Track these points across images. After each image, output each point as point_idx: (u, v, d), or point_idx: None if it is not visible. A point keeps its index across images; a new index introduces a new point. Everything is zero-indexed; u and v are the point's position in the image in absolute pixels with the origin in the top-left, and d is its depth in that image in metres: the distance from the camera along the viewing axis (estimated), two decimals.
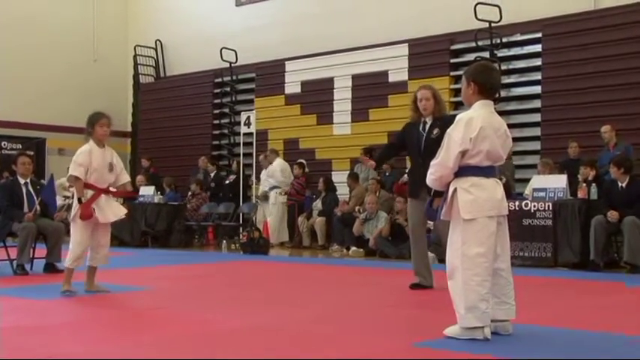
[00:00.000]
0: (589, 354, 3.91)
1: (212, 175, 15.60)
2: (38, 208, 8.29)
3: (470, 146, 4.11)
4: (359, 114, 14.81)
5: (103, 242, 6.37)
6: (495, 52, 13.29)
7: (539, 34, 12.86)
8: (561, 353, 3.90)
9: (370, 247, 11.18)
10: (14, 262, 8.03)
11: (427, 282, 6.75)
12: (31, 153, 16.66)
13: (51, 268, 8.19)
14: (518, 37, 13.25)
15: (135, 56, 19.50)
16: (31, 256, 8.20)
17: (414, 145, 6.68)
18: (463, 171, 4.19)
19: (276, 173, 13.72)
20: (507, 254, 4.39)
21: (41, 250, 8.33)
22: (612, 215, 8.48)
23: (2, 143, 18.13)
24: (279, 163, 13.86)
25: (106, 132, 6.30)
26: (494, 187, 4.25)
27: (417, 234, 6.82)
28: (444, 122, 6.48)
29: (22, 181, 8.39)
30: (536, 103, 12.88)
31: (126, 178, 6.55)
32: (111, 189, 6.40)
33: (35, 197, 8.35)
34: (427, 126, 6.63)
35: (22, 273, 7.97)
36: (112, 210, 6.35)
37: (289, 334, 4.47)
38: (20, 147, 17.69)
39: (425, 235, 6.89)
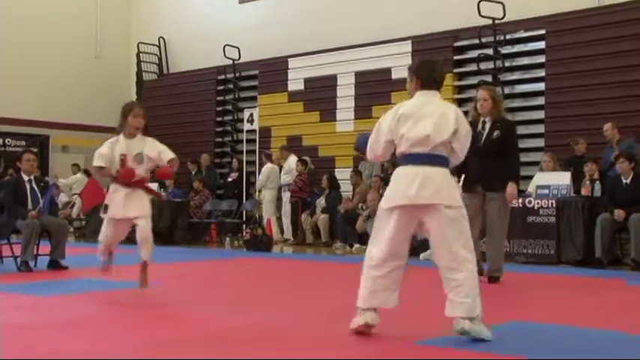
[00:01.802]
0: (591, 352, 3.91)
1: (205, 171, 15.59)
2: (42, 206, 8.30)
3: (392, 136, 4.17)
4: (362, 111, 14.80)
5: (142, 237, 5.93)
6: (499, 48, 13.27)
7: (542, 31, 12.83)
8: (563, 351, 3.90)
9: None
10: (18, 259, 8.05)
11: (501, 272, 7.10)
12: (35, 150, 16.72)
13: (55, 264, 8.21)
14: (522, 34, 13.22)
15: (138, 53, 19.51)
16: (35, 253, 8.22)
17: (473, 143, 6.83)
18: (399, 160, 4.25)
19: (293, 170, 13.73)
20: (444, 247, 4.08)
21: (45, 247, 8.35)
22: (619, 214, 8.46)
23: (6, 140, 18.16)
24: (294, 160, 13.85)
25: (140, 123, 5.92)
26: (413, 176, 4.06)
27: (475, 226, 6.94)
28: (504, 125, 6.95)
29: (26, 178, 8.40)
30: (540, 100, 12.86)
31: (167, 157, 5.95)
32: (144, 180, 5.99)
33: (39, 195, 8.36)
34: (487, 126, 6.93)
35: (26, 270, 7.99)
36: (137, 206, 5.89)
37: (292, 332, 4.47)
38: (24, 144, 17.72)
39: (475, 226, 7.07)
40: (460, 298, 3.98)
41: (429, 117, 4.10)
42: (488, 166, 6.78)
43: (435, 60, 4.46)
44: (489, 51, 13.32)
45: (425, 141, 4.06)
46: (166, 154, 5.94)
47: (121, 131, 6.00)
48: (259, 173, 14.77)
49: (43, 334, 4.37)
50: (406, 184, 4.06)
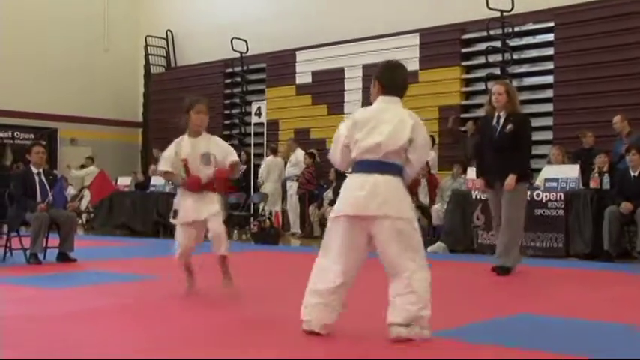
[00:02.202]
0: (599, 344, 3.90)
1: None
2: (51, 199, 8.33)
3: (348, 141, 4.00)
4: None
5: (215, 234, 5.46)
6: (507, 41, 13.23)
7: (551, 23, 12.78)
8: (572, 343, 3.90)
9: None
10: (28, 252, 8.09)
11: (510, 263, 7.07)
12: (44, 143, 16.77)
13: (64, 257, 8.25)
14: (530, 27, 13.18)
15: (146, 46, 19.54)
16: (44, 245, 8.27)
17: (488, 137, 7.12)
18: (352, 167, 4.09)
19: (300, 163, 13.73)
20: (388, 261, 3.94)
21: (54, 240, 8.39)
22: (626, 207, 8.44)
23: (15, 133, 18.24)
24: (301, 154, 13.85)
25: (203, 121, 5.54)
26: (361, 185, 3.89)
27: (496, 221, 7.32)
28: (517, 119, 7.03)
29: (35, 170, 8.44)
30: (549, 93, 12.82)
31: (231, 159, 5.56)
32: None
33: (48, 187, 8.39)
34: (501, 120, 7.01)
35: (35, 262, 8.03)
36: (207, 208, 5.44)
37: (292, 324, 4.48)
38: (33, 137, 17.78)
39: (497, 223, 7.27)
40: (406, 305, 3.84)
41: (385, 124, 3.91)
42: (503, 159, 6.89)
43: (399, 64, 4.24)
44: (497, 43, 13.27)
45: (376, 149, 3.88)
46: (231, 157, 5.56)
47: (185, 129, 5.61)
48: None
49: (52, 325, 4.39)
50: (355, 193, 3.89)
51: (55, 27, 18.70)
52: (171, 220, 5.62)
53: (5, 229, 8.57)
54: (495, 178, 7.03)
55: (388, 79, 4.13)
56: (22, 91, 17.89)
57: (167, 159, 5.60)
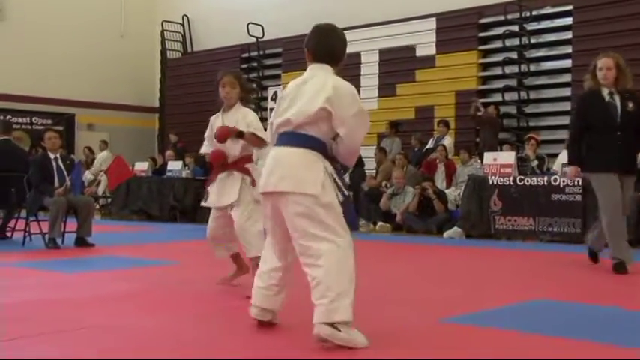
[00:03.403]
0: (618, 330, 3.88)
1: None
2: (69, 183, 8.39)
3: (272, 118, 3.72)
4: (386, 89, 14.73)
5: (237, 226, 5.00)
6: (525, 25, 13.11)
7: (569, 7, 12.64)
8: (590, 330, 3.88)
9: (397, 222, 11.18)
10: (46, 236, 8.17)
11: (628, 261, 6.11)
12: (61, 128, 16.87)
13: (82, 242, 8.32)
14: (548, 10, 13.05)
15: (162, 32, 19.56)
16: (62, 230, 8.34)
17: (604, 116, 6.12)
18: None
19: None
20: (295, 241, 3.50)
21: (72, 225, 8.46)
22: None
23: (33, 119, 18.36)
24: None
25: (228, 93, 5.15)
26: (270, 160, 3.58)
27: (615, 211, 6.05)
28: (634, 97, 6.14)
29: (52, 156, 8.49)
30: (567, 77, 12.70)
31: (251, 130, 5.03)
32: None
33: (65, 172, 8.45)
34: (616, 97, 6.14)
35: (53, 246, 8.10)
36: (229, 193, 5.05)
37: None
38: (50, 123, 17.89)
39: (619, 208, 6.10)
40: (316, 300, 3.37)
41: (302, 96, 3.54)
42: (625, 143, 6.04)
43: (328, 28, 3.79)
44: (515, 28, 13.16)
45: (287, 123, 3.55)
46: (251, 129, 5.02)
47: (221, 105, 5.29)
48: None
49: (69, 309, 4.43)
50: (265, 170, 3.59)
51: (71, 13, 18.75)
52: (203, 203, 5.40)
53: (24, 213, 8.65)
54: (614, 162, 6.02)
55: (314, 45, 3.73)
56: (39, 77, 17.99)
57: (208, 139, 5.32)
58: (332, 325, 3.30)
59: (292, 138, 3.53)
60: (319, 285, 3.35)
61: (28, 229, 8.43)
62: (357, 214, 3.56)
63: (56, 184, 8.34)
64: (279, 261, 3.70)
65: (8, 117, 15.45)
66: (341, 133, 3.49)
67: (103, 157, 16.76)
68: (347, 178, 13.17)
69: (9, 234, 9.03)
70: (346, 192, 3.59)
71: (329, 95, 3.45)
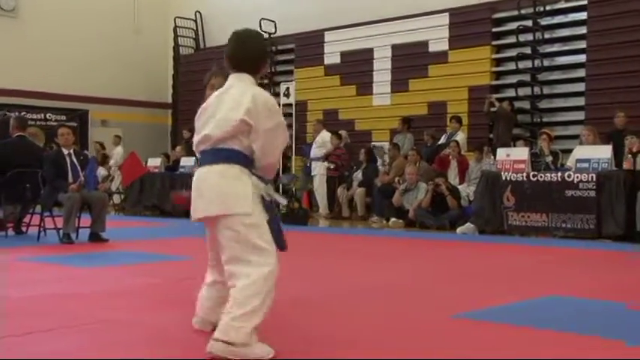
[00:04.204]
0: (631, 327, 3.86)
1: None
2: (82, 179, 8.44)
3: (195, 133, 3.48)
4: (399, 84, 14.70)
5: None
6: (538, 20, 13.03)
7: (584, 1, 12.57)
8: (603, 326, 3.86)
9: (410, 218, 11.16)
10: (60, 231, 8.22)
11: None
12: (74, 124, 16.95)
13: (96, 237, 8.36)
14: (563, 5, 12.96)
15: (175, 28, 19.61)
16: (76, 225, 8.39)
17: None
18: None
19: (327, 144, 13.71)
20: (223, 261, 3.30)
21: (86, 220, 8.51)
22: None
23: (47, 115, 18.45)
24: (327, 135, 13.81)
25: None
26: (194, 182, 3.36)
27: None
28: None
29: (65, 151, 8.54)
30: (581, 72, 12.62)
31: None
32: None
33: (79, 168, 8.50)
34: None
35: (67, 242, 8.15)
36: None
37: (325, 306, 4.50)
38: (64, 119, 17.98)
39: None
40: (222, 316, 3.19)
41: (221, 109, 3.31)
42: None
43: (246, 34, 3.50)
44: (529, 22, 13.09)
45: (207, 139, 3.31)
46: None
47: None
48: (296, 146, 14.83)
49: (84, 303, 4.46)
50: (192, 194, 3.36)
51: (85, 10, 18.83)
52: None
53: (39, 209, 8.71)
54: None
55: (230, 53, 3.46)
56: (53, 74, 18.08)
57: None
58: (226, 343, 3.08)
59: (213, 155, 3.29)
60: (231, 303, 3.14)
61: (42, 225, 8.49)
62: (281, 233, 3.21)
63: (70, 179, 8.39)
64: (220, 276, 3.51)
65: (23, 113, 15.53)
66: (255, 147, 3.27)
67: (119, 153, 16.81)
68: (359, 173, 13.18)
69: (24, 229, 9.10)
70: (275, 209, 3.40)
71: (248, 107, 3.24)
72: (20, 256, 6.93)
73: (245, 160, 3.29)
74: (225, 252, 3.23)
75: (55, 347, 3.35)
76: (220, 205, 3.22)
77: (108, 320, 3.90)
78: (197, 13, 19.54)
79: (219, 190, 3.24)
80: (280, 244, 3.38)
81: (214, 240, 3.38)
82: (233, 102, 3.29)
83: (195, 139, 3.40)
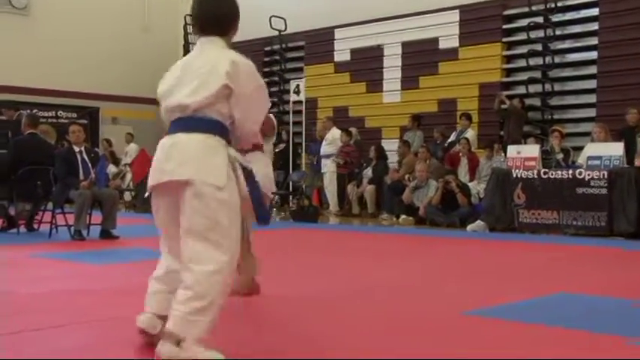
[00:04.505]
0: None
1: None
2: (93, 176, 8.48)
3: (160, 98, 3.23)
4: (409, 82, 14.68)
5: None
6: (550, 16, 12.97)
7: None
8: (613, 324, 3.84)
9: (420, 215, 11.15)
10: (72, 228, 8.26)
11: None
12: (85, 122, 17.00)
13: (107, 234, 8.40)
14: (574, 1, 12.89)
15: (185, 25, 19.59)
16: (87, 222, 8.42)
17: None
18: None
19: (336, 141, 13.71)
20: (182, 238, 2.98)
21: (97, 217, 8.54)
22: None
23: (58, 113, 18.53)
24: (337, 132, 13.81)
25: None
26: (162, 148, 3.09)
27: None
28: None
29: (76, 149, 8.58)
30: (592, 69, 12.56)
31: None
32: None
33: (90, 165, 8.54)
34: None
35: (79, 238, 8.19)
36: None
37: (336, 302, 4.50)
38: (75, 116, 18.06)
39: None
40: (175, 305, 2.88)
41: (193, 75, 3.08)
42: None
43: None
44: (540, 19, 13.03)
45: (183, 107, 3.06)
46: None
47: None
48: (306, 144, 14.83)
49: (95, 300, 4.48)
50: (158, 159, 3.09)
51: (96, 8, 18.89)
52: None
53: (50, 206, 8.75)
54: None
55: (196, 15, 3.27)
56: (64, 71, 18.16)
57: None
58: (175, 340, 2.80)
59: (191, 123, 3.04)
60: (187, 290, 2.86)
61: (54, 222, 8.53)
62: (268, 208, 2.86)
63: (81, 177, 8.43)
64: (174, 262, 3.15)
65: (34, 111, 15.60)
66: (237, 111, 3.05)
67: (132, 150, 16.86)
68: (370, 170, 13.16)
69: (36, 226, 9.15)
70: (256, 180, 3.12)
71: (228, 70, 3.01)
72: (32, 253, 6.97)
73: (223, 130, 3.07)
74: (191, 226, 2.91)
75: (66, 343, 3.37)
76: (193, 170, 2.93)
77: (118, 317, 3.92)
78: None
79: (195, 155, 2.97)
80: (262, 215, 3.12)
81: (171, 213, 3.06)
82: (210, 67, 3.05)
83: (166, 105, 3.14)
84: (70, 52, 18.35)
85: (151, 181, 3.09)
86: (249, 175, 3.08)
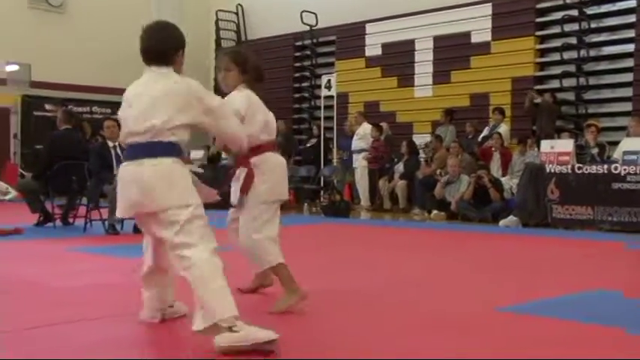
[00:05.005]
0: None
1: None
2: None
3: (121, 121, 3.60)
4: (440, 76, 14.58)
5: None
6: (584, 9, 12.78)
7: None
8: None
9: (452, 210, 11.08)
10: (106, 222, 8.36)
11: None
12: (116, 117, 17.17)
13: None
14: None
15: (217, 21, 19.72)
16: None
17: None
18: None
19: (367, 136, 13.69)
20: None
21: None
22: None
23: (93, 108, 18.75)
24: (368, 127, 13.78)
25: (223, 78, 4.41)
26: (128, 176, 3.35)
27: None
28: None
29: (110, 144, 8.68)
30: (629, 62, 12.35)
31: None
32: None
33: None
34: None
35: (113, 232, 8.30)
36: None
37: (366, 298, 4.50)
38: (110, 112, 18.24)
39: None
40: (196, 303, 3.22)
41: (153, 101, 3.34)
42: None
43: (155, 27, 3.62)
44: (574, 12, 12.84)
45: (145, 130, 3.29)
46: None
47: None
48: (337, 139, 14.83)
49: (128, 293, 4.52)
50: (124, 189, 3.35)
51: (128, 3, 19.06)
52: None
53: (85, 200, 8.87)
54: None
55: (142, 49, 3.55)
56: (99, 67, 18.35)
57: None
58: (216, 325, 3.05)
59: (148, 149, 3.26)
60: (195, 284, 3.15)
61: (88, 216, 8.64)
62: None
63: (115, 171, 8.52)
64: (152, 260, 3.63)
65: (70, 106, 15.80)
66: (216, 122, 3.44)
67: None
68: (401, 165, 13.12)
69: (71, 220, 9.28)
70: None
71: (186, 92, 3.36)
72: (68, 247, 7.08)
73: (180, 152, 3.33)
74: (167, 242, 3.24)
75: (100, 337, 3.41)
76: (159, 201, 3.21)
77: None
78: (238, 6, 19.63)
79: (159, 186, 3.21)
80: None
81: (148, 230, 3.44)
82: (166, 92, 3.33)
83: (130, 129, 3.36)
84: (105, 48, 18.54)
85: (125, 213, 3.42)
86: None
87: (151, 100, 3.32)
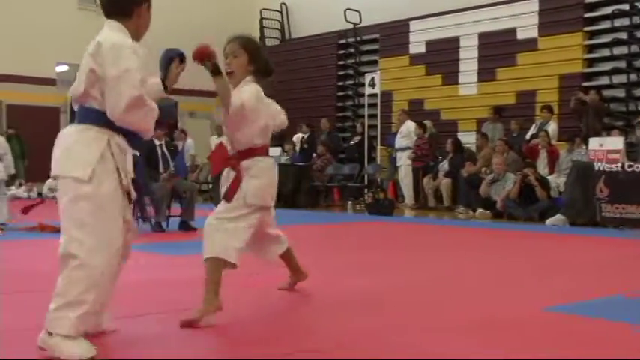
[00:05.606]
0: None
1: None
2: (172, 169, 8.68)
3: None
4: (486, 73, 14.43)
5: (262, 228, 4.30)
6: (635, 3, 12.50)
7: None
8: None
9: (497, 209, 10.95)
10: (152, 220, 8.47)
11: None
12: None
13: (185, 226, 8.58)
14: None
15: (261, 19, 19.84)
16: (167, 214, 8.62)
17: None
18: None
19: (411, 134, 13.63)
20: None
21: (176, 210, 8.73)
22: None
23: None
24: (412, 125, 13.71)
25: (228, 64, 4.25)
26: (57, 140, 3.11)
27: None
28: None
29: (157, 142, 8.79)
30: None
31: None
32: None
33: (170, 158, 8.74)
34: None
35: (159, 230, 8.40)
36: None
37: (413, 297, 4.48)
38: None
39: None
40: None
41: (83, 62, 3.02)
42: None
43: None
44: (625, 6, 12.58)
45: (73, 98, 3.06)
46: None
47: None
48: (381, 137, 14.79)
49: (173, 290, 4.59)
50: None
51: (173, 3, 19.29)
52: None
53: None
54: None
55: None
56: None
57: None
58: (51, 334, 2.86)
59: (77, 114, 3.04)
60: (60, 284, 2.90)
61: (136, 213, 8.74)
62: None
63: (161, 169, 8.64)
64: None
65: None
66: (105, 97, 2.93)
67: (214, 143, 17.17)
68: (446, 163, 13.01)
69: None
70: (144, 180, 3.17)
71: (92, 52, 2.95)
72: None
73: (103, 119, 2.95)
74: (62, 218, 2.94)
75: (141, 333, 3.46)
76: (60, 165, 2.96)
77: (189, 306, 3.99)
78: (282, 5, 19.71)
79: (67, 151, 2.95)
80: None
81: None
82: (88, 52, 2.97)
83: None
84: (150, 48, 18.78)
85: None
86: (136, 163, 3.11)
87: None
